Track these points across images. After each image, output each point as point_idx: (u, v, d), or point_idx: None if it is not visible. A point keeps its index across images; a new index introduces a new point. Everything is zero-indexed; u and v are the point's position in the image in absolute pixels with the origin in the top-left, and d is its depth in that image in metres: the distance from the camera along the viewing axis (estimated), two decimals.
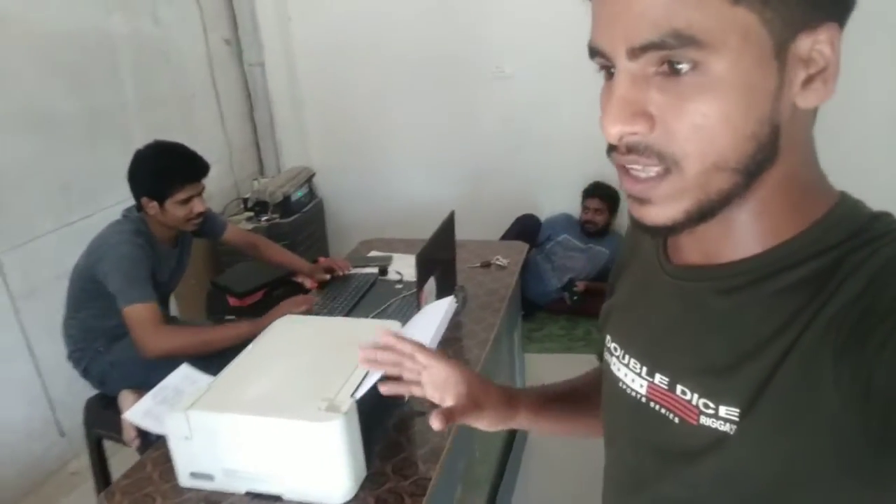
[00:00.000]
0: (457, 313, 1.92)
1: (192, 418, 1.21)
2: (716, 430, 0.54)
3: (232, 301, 2.90)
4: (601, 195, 3.64)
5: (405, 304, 2.06)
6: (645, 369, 0.63)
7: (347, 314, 2.02)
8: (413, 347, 0.82)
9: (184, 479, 1.27)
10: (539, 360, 3.16)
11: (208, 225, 2.16)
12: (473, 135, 3.88)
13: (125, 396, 1.91)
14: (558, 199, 3.89)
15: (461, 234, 2.08)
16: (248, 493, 1.24)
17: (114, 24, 2.89)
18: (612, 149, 0.52)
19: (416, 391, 0.84)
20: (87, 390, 2.08)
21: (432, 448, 1.38)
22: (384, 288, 2.22)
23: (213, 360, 1.85)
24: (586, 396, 0.84)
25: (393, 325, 1.42)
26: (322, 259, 2.84)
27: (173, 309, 2.46)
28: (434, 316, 1.40)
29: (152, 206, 1.93)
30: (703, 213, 0.51)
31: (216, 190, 3.51)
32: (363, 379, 1.27)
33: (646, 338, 0.64)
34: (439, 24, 3.66)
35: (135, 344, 1.83)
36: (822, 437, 0.48)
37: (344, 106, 3.96)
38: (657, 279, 0.64)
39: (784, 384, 0.50)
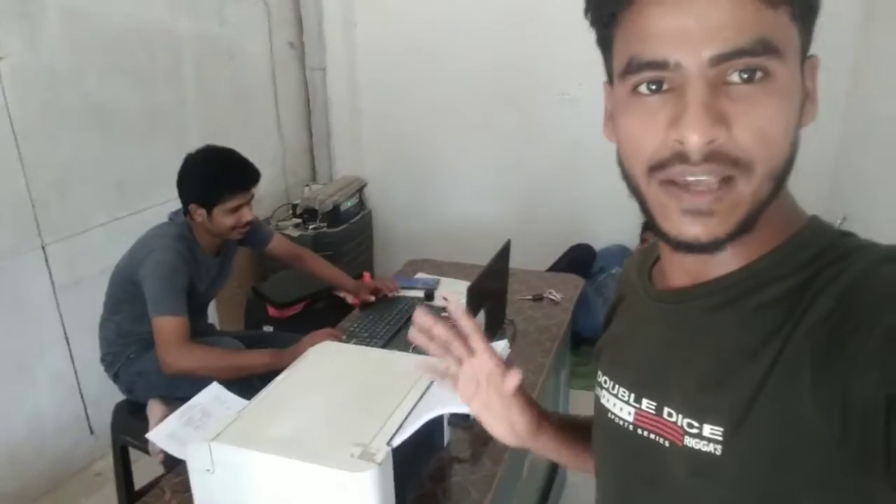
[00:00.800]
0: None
1: (216, 451, 1.12)
2: (699, 451, 0.54)
3: (271, 311, 2.84)
4: None
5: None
6: (633, 396, 0.63)
7: (389, 341, 1.92)
8: (474, 327, 0.75)
9: None
10: (583, 397, 3.00)
11: (254, 234, 2.10)
12: (532, 157, 3.75)
13: (153, 406, 1.85)
14: (615, 231, 3.72)
15: (511, 260, 1.97)
16: None
17: (180, 23, 2.89)
18: (657, 168, 0.52)
19: (449, 382, 0.78)
20: (119, 392, 2.03)
21: None
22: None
23: (234, 385, 1.78)
24: None
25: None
26: (367, 275, 2.76)
27: (212, 315, 2.41)
28: None
29: (200, 214, 1.87)
30: (748, 224, 0.52)
31: (266, 194, 3.47)
32: (401, 424, 1.17)
33: (633, 365, 0.65)
34: (505, 42, 3.55)
35: (158, 357, 1.78)
36: (806, 453, 0.49)
37: (402, 117, 3.89)
38: (644, 307, 0.66)
39: (769, 402, 0.51)
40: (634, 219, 3.57)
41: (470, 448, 1.42)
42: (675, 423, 0.57)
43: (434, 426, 1.36)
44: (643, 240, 3.53)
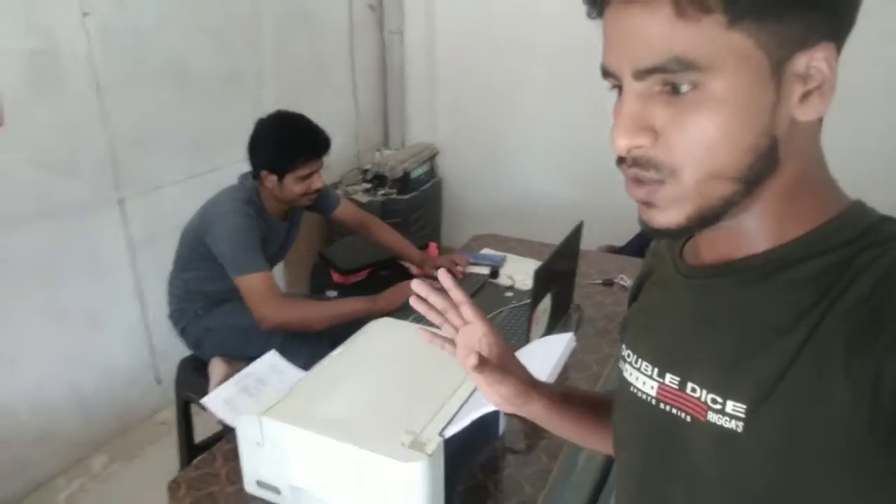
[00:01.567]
0: None
1: (266, 425, 1.10)
2: (721, 427, 0.54)
3: (336, 277, 2.84)
4: None
5: (513, 317, 1.87)
6: (656, 371, 0.63)
7: None
8: (463, 297, 0.81)
9: (250, 486, 1.18)
10: None
11: (321, 200, 2.08)
12: (607, 137, 3.58)
13: (215, 365, 1.87)
14: None
15: (580, 242, 1.87)
16: None
17: None
18: (620, 160, 0.56)
19: (448, 348, 0.83)
20: (185, 347, 2.08)
21: (523, 500, 1.20)
22: (493, 293, 2.05)
23: (301, 349, 1.78)
24: (608, 407, 0.79)
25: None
26: (433, 245, 2.71)
27: (280, 277, 2.43)
28: (554, 349, 1.23)
29: (270, 180, 1.86)
30: (705, 218, 0.54)
31: (338, 159, 3.46)
32: (455, 414, 1.12)
33: (658, 340, 0.65)
34: (586, 20, 3.37)
35: (253, 314, 1.78)
36: (831, 433, 0.49)
37: (477, 87, 3.77)
38: (672, 282, 0.66)
39: (798, 378, 0.50)
40: None
41: (525, 440, 1.36)
42: (698, 398, 0.57)
43: (489, 414, 1.31)
44: None
